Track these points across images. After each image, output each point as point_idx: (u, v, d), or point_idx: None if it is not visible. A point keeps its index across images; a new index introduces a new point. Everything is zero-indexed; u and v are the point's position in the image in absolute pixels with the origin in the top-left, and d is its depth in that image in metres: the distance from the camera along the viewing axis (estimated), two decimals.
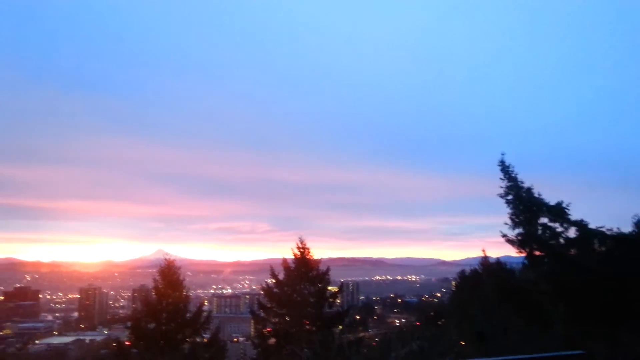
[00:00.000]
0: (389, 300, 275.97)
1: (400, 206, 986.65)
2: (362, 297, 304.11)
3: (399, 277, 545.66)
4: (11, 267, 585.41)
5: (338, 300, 33.40)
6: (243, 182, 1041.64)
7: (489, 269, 35.53)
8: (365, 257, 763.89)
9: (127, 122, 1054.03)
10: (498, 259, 35.52)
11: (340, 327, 31.46)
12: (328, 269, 31.74)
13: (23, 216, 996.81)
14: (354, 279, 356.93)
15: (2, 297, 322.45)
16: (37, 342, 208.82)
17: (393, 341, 71.84)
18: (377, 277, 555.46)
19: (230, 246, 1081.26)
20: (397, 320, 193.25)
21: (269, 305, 31.44)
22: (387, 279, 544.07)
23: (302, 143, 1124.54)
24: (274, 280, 31.51)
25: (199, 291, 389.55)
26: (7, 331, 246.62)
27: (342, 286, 41.32)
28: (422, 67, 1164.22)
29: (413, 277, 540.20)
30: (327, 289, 31.67)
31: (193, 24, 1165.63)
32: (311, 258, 31.24)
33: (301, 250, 31.13)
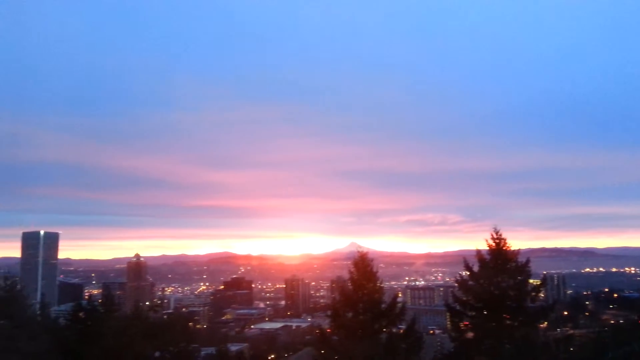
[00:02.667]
0: (602, 295, 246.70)
1: (611, 190, 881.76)
2: (569, 291, 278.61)
3: (614, 269, 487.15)
4: (227, 260, 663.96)
5: (541, 294, 31.00)
6: (432, 174, 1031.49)
7: None
8: (572, 247, 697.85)
9: (315, 125, 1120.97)
10: None
11: (545, 323, 29.04)
12: (528, 261, 29.51)
13: (235, 215, 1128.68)
14: (558, 271, 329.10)
15: (222, 287, 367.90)
16: (252, 326, 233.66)
17: (609, 340, 63.90)
18: (587, 269, 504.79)
19: (420, 238, 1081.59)
20: (613, 318, 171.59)
21: (464, 299, 30.41)
22: (599, 271, 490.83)
23: (491, 129, 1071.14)
24: (468, 273, 30.35)
25: (392, 283, 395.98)
26: (228, 316, 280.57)
27: (545, 279, 38.13)
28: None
29: (632, 269, 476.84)
30: (528, 282, 29.50)
31: (368, 25, 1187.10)
32: (508, 249, 29.34)
33: (496, 240, 29.42)
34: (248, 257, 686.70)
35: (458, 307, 30.64)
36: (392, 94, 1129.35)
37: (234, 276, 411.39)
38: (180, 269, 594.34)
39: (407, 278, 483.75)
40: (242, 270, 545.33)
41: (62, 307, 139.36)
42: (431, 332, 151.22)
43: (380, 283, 29.43)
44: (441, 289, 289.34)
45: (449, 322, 34.37)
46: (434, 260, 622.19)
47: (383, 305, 28.61)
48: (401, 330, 29.65)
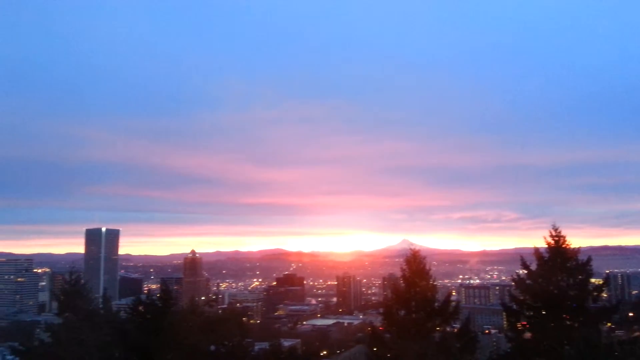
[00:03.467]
0: None
1: None
2: (634, 292, 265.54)
3: None
4: (279, 257, 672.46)
5: (604, 294, 29.68)
6: (486, 169, 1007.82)
7: None
8: (637, 246, 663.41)
9: (365, 121, 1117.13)
10: None
11: (608, 324, 27.78)
12: (589, 259, 28.30)
13: (287, 212, 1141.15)
14: (622, 270, 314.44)
15: (275, 283, 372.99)
16: (304, 322, 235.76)
17: None
18: None
19: (474, 235, 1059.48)
20: None
21: (521, 298, 29.54)
22: None
23: (550, 122, 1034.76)
24: (525, 271, 29.45)
25: (446, 281, 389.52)
26: (281, 312, 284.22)
27: (607, 278, 36.62)
28: None
29: None
30: (589, 281, 28.30)
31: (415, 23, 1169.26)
32: (568, 247, 28.24)
33: (555, 238, 28.36)
34: (299, 254, 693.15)
35: (515, 307, 29.80)
36: (444, 88, 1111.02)
37: (286, 273, 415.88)
38: (234, 265, 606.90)
39: (460, 276, 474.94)
40: (294, 267, 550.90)
41: (123, 300, 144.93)
42: (486, 331, 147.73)
43: (433, 281, 29.02)
44: (497, 287, 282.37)
45: (505, 322, 33.53)
46: (489, 258, 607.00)
47: (436, 304, 28.19)
48: (455, 330, 29.14)
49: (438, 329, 27.86)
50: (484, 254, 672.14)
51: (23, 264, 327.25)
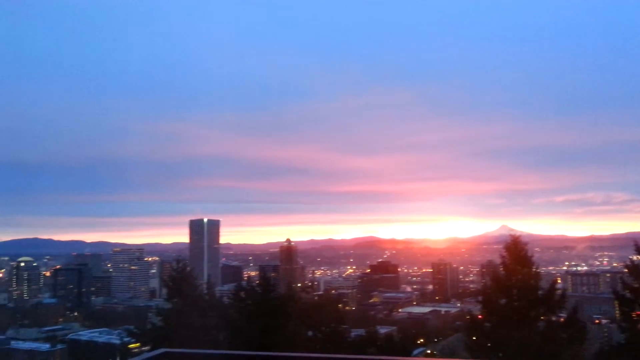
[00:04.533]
0: None
1: None
2: None
3: None
4: (373, 244, 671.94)
5: None
6: (592, 148, 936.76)
7: None
8: None
9: (457, 104, 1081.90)
10: None
11: None
12: None
13: (380, 200, 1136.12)
14: None
15: (369, 270, 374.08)
16: (399, 310, 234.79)
17: None
18: None
19: (581, 220, 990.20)
20: None
21: (636, 286, 27.36)
22: None
23: None
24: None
25: (550, 268, 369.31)
26: (376, 299, 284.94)
27: None
28: None
29: None
30: None
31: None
32: None
33: None
34: (393, 241, 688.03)
35: (629, 295, 27.67)
36: (543, 63, 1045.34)
37: (380, 260, 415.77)
38: (328, 252, 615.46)
39: (566, 263, 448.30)
40: (388, 255, 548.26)
41: (225, 287, 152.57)
42: (596, 321, 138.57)
43: (536, 268, 27.68)
44: (607, 274, 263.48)
45: (618, 311, 31.20)
46: (597, 244, 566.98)
47: (540, 292, 26.88)
48: (561, 319, 27.62)
49: (542, 318, 26.60)
50: (592, 239, 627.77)
51: (135, 254, 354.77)
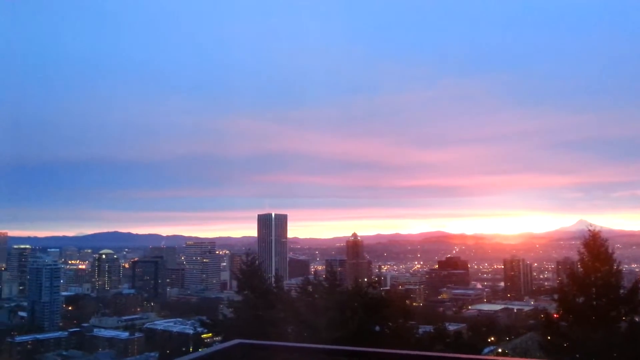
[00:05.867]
0: None
1: None
2: None
3: None
4: (441, 240, 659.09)
5: None
6: None
7: None
8: None
9: (530, 93, 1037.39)
10: None
11: None
12: None
13: (448, 194, 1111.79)
14: None
15: (437, 266, 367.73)
16: (469, 307, 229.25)
17: None
18: None
19: None
20: None
21: None
22: None
23: None
24: None
25: (633, 266, 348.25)
26: (444, 296, 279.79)
27: None
28: None
29: None
30: None
31: None
32: None
33: None
34: (462, 237, 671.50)
35: None
36: (621, 50, 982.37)
37: (449, 256, 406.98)
38: (395, 247, 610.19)
39: None
40: (457, 250, 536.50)
41: (292, 280, 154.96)
42: None
43: (618, 265, 26.14)
44: None
45: None
46: None
47: (622, 291, 25.39)
48: None
49: (624, 318, 25.12)
50: None
51: (207, 247, 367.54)
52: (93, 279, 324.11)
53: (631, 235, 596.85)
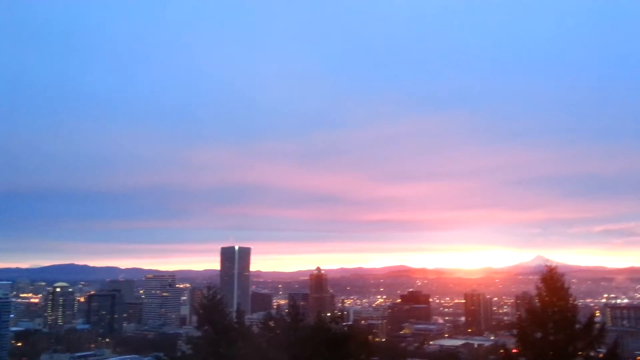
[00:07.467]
0: None
1: None
2: None
3: None
4: (403, 274, 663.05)
5: None
6: (632, 176, 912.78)
7: None
8: None
9: (492, 131, 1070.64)
10: None
11: None
12: None
13: (411, 229, 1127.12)
14: None
15: (399, 300, 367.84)
16: (431, 342, 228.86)
17: None
18: None
19: (620, 250, 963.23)
20: None
21: None
22: None
23: None
24: None
25: (588, 300, 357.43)
26: (406, 330, 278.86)
27: None
28: None
29: None
30: None
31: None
32: None
33: None
34: (424, 271, 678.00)
35: None
36: (581, 91, 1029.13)
37: (411, 290, 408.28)
38: (358, 281, 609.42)
39: (605, 295, 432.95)
40: (419, 284, 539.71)
41: (255, 315, 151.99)
42: (639, 358, 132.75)
43: (574, 300, 26.78)
44: None
45: None
46: (638, 275, 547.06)
47: (578, 325, 25.98)
48: (600, 355, 26.56)
49: (580, 353, 25.63)
50: (633, 270, 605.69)
51: (167, 280, 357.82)
52: (46, 313, 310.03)
53: (586, 270, 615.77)
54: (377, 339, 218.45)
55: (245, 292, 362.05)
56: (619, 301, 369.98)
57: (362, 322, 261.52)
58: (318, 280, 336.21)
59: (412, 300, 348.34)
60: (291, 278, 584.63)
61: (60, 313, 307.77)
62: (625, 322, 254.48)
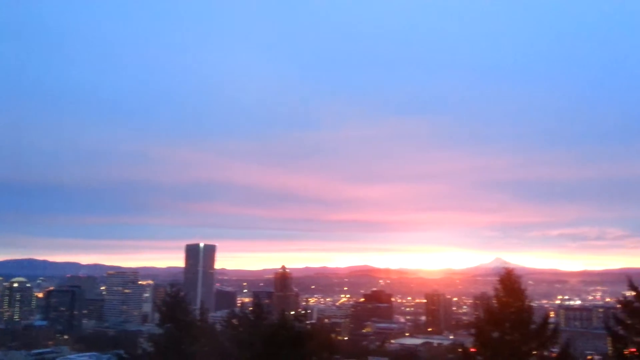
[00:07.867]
0: None
1: None
2: None
3: None
4: (367, 273, 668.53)
5: None
6: (588, 182, 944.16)
7: None
8: None
9: (455, 137, 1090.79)
10: None
11: None
12: None
13: (376, 229, 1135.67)
14: None
15: (363, 299, 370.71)
16: (392, 341, 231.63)
17: None
18: None
19: (574, 254, 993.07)
20: None
21: (629, 322, 27.38)
22: None
23: None
24: (633, 293, 27.35)
25: (543, 301, 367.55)
26: (368, 329, 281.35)
27: None
28: None
29: None
30: None
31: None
32: None
33: None
34: (387, 271, 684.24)
35: (621, 332, 27.70)
36: (540, 99, 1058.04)
37: (374, 289, 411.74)
38: (322, 280, 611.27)
39: (559, 297, 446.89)
40: (382, 284, 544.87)
41: (218, 313, 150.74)
42: (589, 357, 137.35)
43: (530, 301, 27.71)
44: (600, 310, 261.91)
45: (610, 348, 31.14)
46: (591, 279, 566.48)
47: (533, 326, 26.89)
48: (553, 354, 27.56)
49: (535, 352, 26.55)
50: (585, 273, 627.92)
51: (129, 277, 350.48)
52: (2, 309, 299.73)
53: (542, 272, 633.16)
54: (340, 337, 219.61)
55: (209, 290, 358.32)
56: (572, 303, 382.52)
57: (326, 320, 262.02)
58: (283, 278, 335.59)
59: (374, 299, 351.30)
60: (256, 276, 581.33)
61: (17, 309, 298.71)
62: (577, 322, 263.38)
